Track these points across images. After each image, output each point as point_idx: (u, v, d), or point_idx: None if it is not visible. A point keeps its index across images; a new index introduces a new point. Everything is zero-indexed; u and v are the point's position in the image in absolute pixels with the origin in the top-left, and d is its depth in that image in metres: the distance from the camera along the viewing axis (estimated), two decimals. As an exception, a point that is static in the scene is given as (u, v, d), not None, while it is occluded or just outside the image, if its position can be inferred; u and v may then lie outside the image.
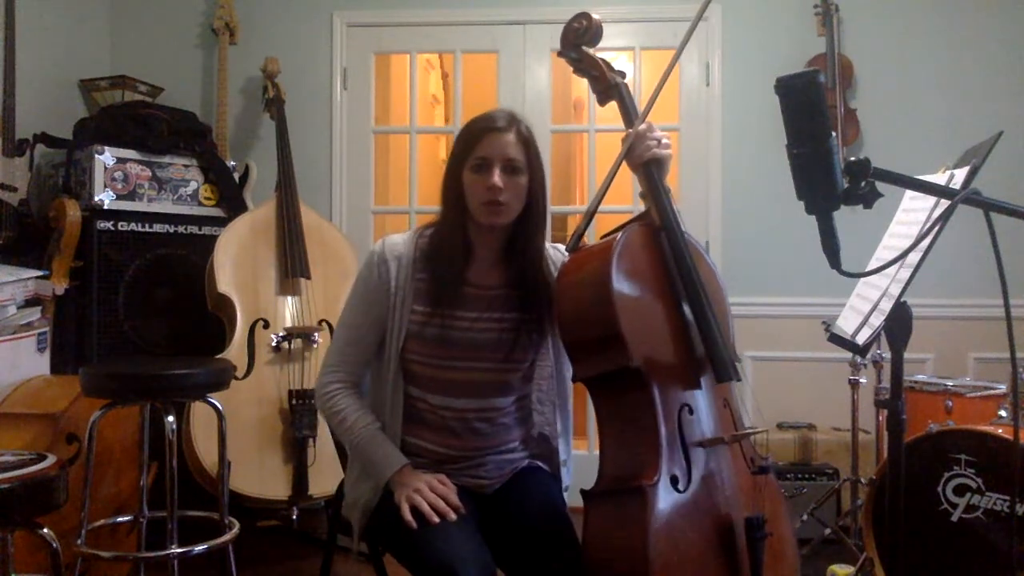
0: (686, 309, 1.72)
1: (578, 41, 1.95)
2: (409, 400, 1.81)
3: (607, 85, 1.93)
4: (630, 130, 1.82)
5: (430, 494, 1.66)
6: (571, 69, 2.00)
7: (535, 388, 1.93)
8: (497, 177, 1.70)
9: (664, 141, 1.81)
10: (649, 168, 1.80)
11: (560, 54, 2.01)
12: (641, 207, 1.90)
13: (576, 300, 1.70)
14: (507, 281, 1.82)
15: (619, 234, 1.72)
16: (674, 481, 1.58)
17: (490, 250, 1.82)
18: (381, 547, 1.88)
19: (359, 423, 1.79)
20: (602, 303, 1.63)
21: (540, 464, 1.90)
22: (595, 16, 1.94)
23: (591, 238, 2.21)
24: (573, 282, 1.72)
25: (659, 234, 1.77)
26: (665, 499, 1.55)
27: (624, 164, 1.84)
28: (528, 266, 1.80)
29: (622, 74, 1.95)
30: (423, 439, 1.82)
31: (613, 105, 1.95)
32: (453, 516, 1.63)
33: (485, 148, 1.72)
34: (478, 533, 1.67)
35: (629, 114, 1.89)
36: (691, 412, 1.65)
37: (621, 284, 1.65)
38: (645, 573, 1.47)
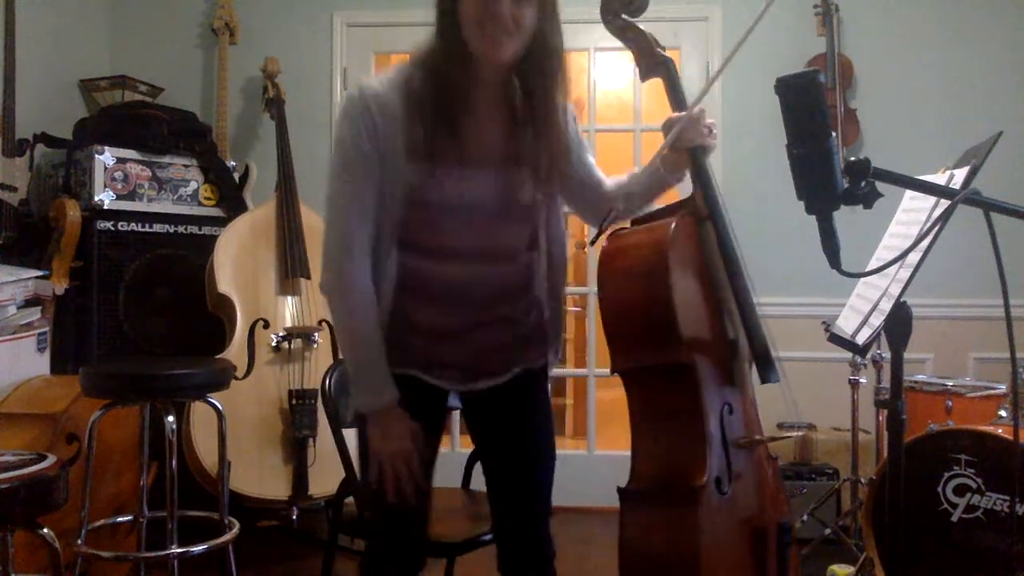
0: (727, 305, 1.66)
1: (622, 9, 1.82)
2: (404, 269, 1.58)
3: (655, 61, 1.80)
4: (680, 112, 1.69)
5: (403, 467, 1.55)
6: (615, 38, 1.86)
7: (540, 254, 1.67)
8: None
9: (714, 131, 1.72)
10: (697, 153, 1.69)
11: (604, 20, 1.85)
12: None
13: (627, 289, 1.60)
14: (511, 129, 1.58)
15: (669, 221, 1.62)
16: (718, 483, 1.53)
17: (494, 89, 1.56)
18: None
19: (362, 315, 1.54)
20: (658, 295, 1.54)
21: (540, 365, 1.71)
22: None
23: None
24: (622, 270, 1.62)
25: (703, 224, 1.70)
26: (711, 500, 1.50)
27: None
28: (541, 120, 1.55)
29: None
30: (420, 312, 1.60)
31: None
32: (411, 502, 1.57)
33: None
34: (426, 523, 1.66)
35: (677, 94, 1.77)
36: (731, 411, 1.61)
37: (677, 275, 1.56)
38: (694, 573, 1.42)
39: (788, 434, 1.75)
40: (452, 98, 1.50)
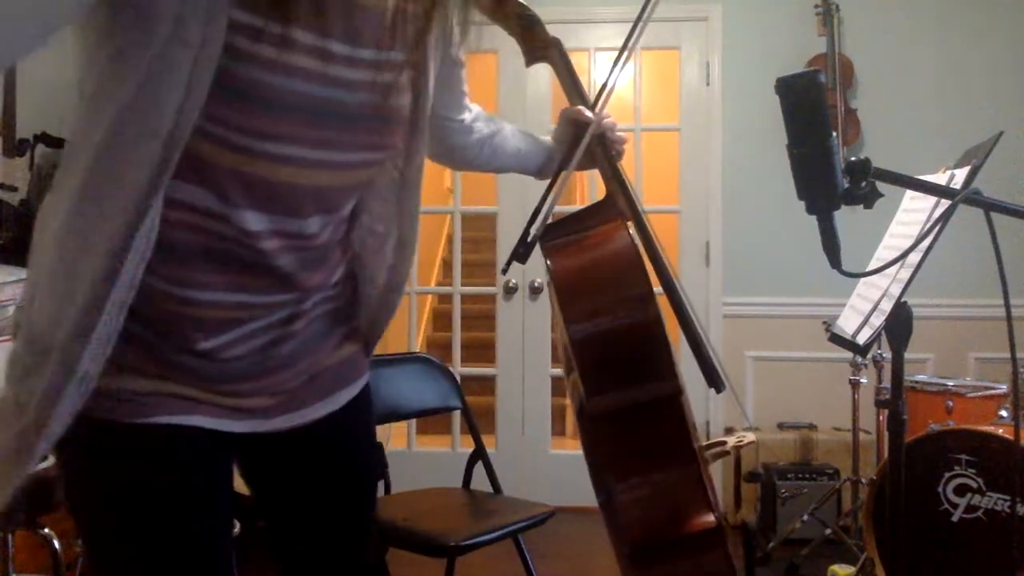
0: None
1: None
2: (173, 209, 0.91)
3: (541, 43, 1.55)
4: (583, 109, 1.54)
5: None
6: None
7: (376, 198, 1.10)
8: None
9: (622, 138, 1.59)
10: (612, 157, 1.54)
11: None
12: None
13: (606, 314, 1.33)
14: (391, 19, 1.00)
15: (617, 226, 1.41)
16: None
17: None
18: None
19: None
20: (648, 315, 1.30)
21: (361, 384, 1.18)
22: None
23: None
24: (593, 290, 1.35)
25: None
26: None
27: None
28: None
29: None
30: (194, 281, 0.95)
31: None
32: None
33: None
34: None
35: (574, 83, 1.56)
36: (694, 428, 1.48)
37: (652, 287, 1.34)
38: None
39: (723, 442, 1.54)
40: None
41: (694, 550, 1.32)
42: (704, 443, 1.50)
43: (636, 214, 1.48)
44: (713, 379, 1.43)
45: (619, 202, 1.51)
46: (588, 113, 1.54)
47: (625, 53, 1.54)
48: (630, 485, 1.35)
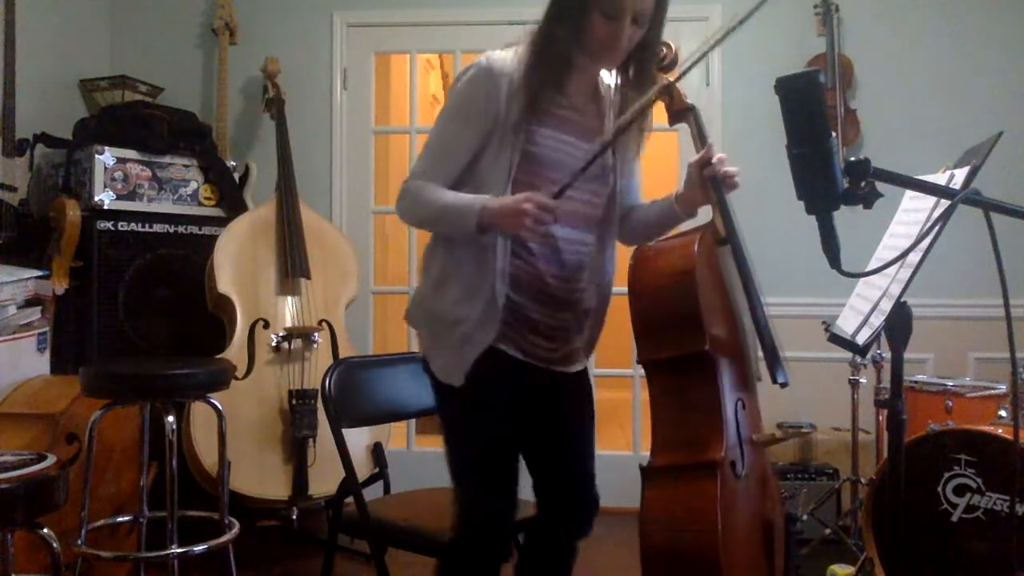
0: (743, 318, 1.82)
1: (658, 66, 1.96)
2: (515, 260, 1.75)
3: (683, 107, 1.98)
4: (708, 146, 1.91)
5: (536, 213, 1.61)
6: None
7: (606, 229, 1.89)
8: (626, 31, 1.68)
9: (733, 173, 1.92)
10: (717, 184, 1.88)
11: None
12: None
13: (658, 289, 1.79)
14: (596, 112, 1.84)
15: (693, 236, 1.83)
16: (733, 466, 1.65)
17: (587, 77, 1.81)
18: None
19: (440, 190, 1.73)
20: (685, 287, 1.74)
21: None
22: (675, 46, 1.97)
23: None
24: (654, 272, 1.81)
25: (719, 244, 1.87)
26: (726, 478, 1.62)
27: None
28: (629, 100, 1.80)
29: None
30: (529, 265, 1.75)
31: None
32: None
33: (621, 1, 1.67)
34: (516, 484, 1.77)
35: (702, 138, 1.96)
36: (744, 407, 1.75)
37: (702, 274, 1.77)
38: (713, 543, 1.50)
39: (796, 434, 1.84)
40: (562, 66, 1.73)
41: (690, 476, 1.63)
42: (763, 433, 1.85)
43: (731, 236, 1.84)
44: (774, 371, 1.74)
45: (715, 225, 1.88)
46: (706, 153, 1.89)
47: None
48: (660, 421, 1.77)
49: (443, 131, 1.76)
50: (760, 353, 1.75)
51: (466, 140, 1.73)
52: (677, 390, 1.75)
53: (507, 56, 1.73)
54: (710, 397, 1.70)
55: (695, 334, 1.70)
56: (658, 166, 4.10)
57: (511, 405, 1.77)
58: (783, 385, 1.73)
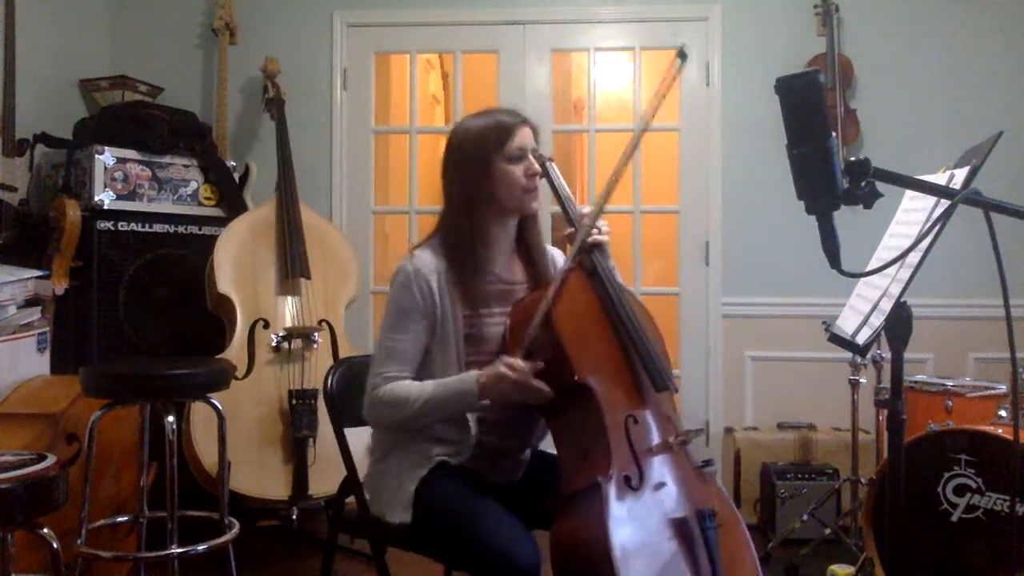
0: (624, 337, 1.87)
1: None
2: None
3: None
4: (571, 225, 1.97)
5: (520, 373, 1.74)
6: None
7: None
8: (534, 163, 1.88)
9: (603, 228, 1.96)
10: (593, 252, 1.93)
11: None
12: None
13: (524, 333, 1.83)
14: (526, 274, 2.00)
15: (556, 278, 1.88)
16: (627, 480, 1.70)
17: (507, 242, 1.97)
18: (427, 550, 1.90)
19: (414, 385, 1.84)
20: (545, 326, 1.80)
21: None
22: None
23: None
24: (521, 321, 1.86)
25: (594, 276, 1.94)
26: (620, 493, 1.67)
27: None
28: (538, 255, 2.00)
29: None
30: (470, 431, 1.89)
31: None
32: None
33: (520, 139, 1.89)
34: (515, 516, 1.77)
35: (560, 199, 2.01)
36: (636, 422, 1.78)
37: (567, 310, 1.84)
38: (608, 560, 1.55)
39: (693, 430, 1.91)
40: (478, 252, 1.91)
41: (581, 499, 1.69)
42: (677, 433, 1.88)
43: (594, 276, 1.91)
44: (655, 381, 1.84)
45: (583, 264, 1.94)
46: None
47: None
48: (562, 454, 1.83)
49: (391, 335, 1.87)
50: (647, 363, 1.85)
51: (415, 336, 1.87)
52: (566, 421, 1.83)
53: (428, 256, 1.89)
54: (593, 420, 1.76)
55: (563, 367, 1.77)
56: (658, 166, 4.12)
57: (471, 485, 1.86)
58: (665, 390, 1.85)
